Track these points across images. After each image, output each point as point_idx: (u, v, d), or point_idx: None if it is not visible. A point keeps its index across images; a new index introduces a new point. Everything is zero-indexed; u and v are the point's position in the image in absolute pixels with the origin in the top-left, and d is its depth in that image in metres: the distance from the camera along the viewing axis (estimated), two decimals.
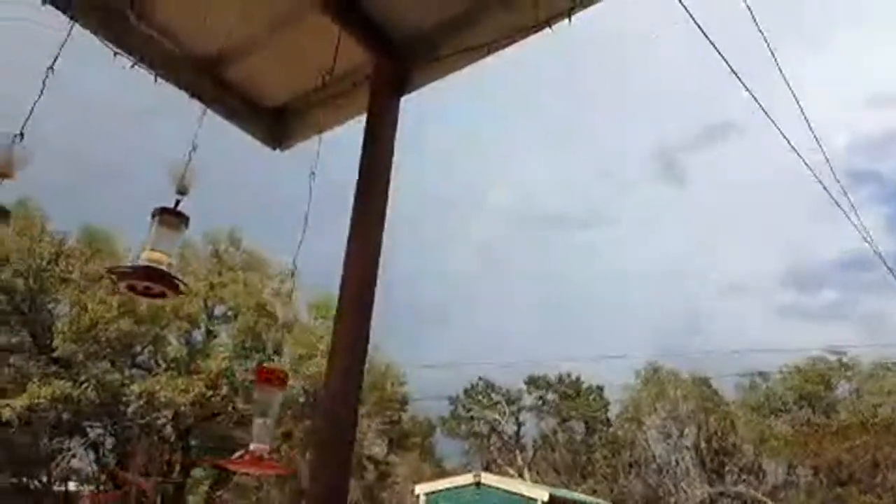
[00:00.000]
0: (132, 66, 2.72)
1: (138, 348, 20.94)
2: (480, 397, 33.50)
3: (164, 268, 2.01)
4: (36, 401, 16.62)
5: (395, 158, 2.73)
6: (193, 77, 2.96)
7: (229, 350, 21.72)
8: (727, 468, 26.11)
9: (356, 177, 2.61)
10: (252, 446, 2.05)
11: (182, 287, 2.03)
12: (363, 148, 2.69)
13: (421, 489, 16.20)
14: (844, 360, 25.99)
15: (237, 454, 2.07)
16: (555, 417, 31.92)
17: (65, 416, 18.43)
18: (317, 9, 2.55)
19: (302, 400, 21.76)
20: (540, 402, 32.66)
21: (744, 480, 25.23)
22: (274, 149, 3.29)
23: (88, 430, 20.44)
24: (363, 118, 2.86)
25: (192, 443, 22.32)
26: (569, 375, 32.38)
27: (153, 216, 2.10)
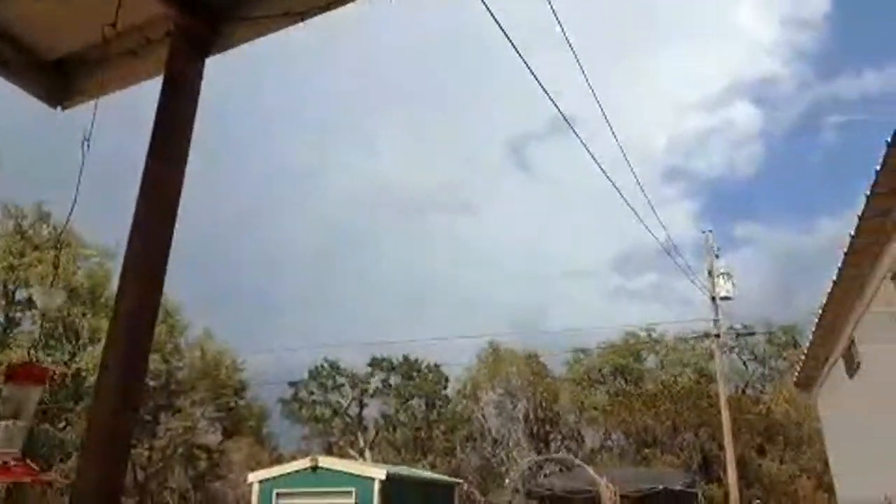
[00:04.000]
0: None
1: None
2: (325, 380, 33.04)
3: None
4: None
5: (196, 124, 2.51)
6: None
7: (34, 340, 19.35)
8: (552, 436, 28.30)
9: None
10: None
11: None
12: (157, 111, 2.43)
13: (255, 476, 15.64)
14: (654, 335, 29.16)
15: None
16: (397, 398, 32.40)
17: None
18: None
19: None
20: (383, 384, 32.96)
21: (566, 447, 27.49)
22: (54, 107, 2.89)
23: None
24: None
25: None
26: (415, 360, 32.97)
27: None
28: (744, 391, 28.02)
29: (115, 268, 21.48)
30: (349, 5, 2.56)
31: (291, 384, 32.68)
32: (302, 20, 2.57)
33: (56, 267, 11.37)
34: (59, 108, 2.88)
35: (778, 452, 24.41)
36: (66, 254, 20.84)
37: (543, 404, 27.74)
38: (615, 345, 28.97)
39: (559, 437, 28.32)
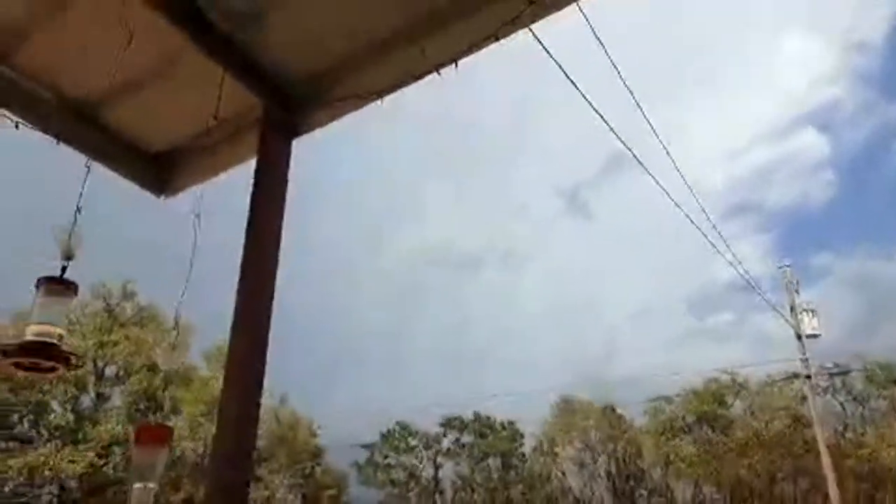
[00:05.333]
0: None
1: (15, 418, 18.99)
2: (398, 442, 32.81)
3: (53, 341, 1.84)
4: None
5: (287, 202, 2.66)
6: (67, 123, 2.78)
7: (122, 413, 20.18)
8: (637, 493, 26.89)
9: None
10: None
11: (74, 360, 1.87)
12: (252, 194, 2.60)
13: None
14: (738, 379, 27.68)
15: None
16: (472, 457, 31.74)
17: None
18: (200, 51, 2.47)
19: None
20: (457, 444, 32.42)
21: (654, 503, 26.03)
22: (158, 196, 3.12)
23: None
24: (252, 162, 2.80)
25: None
26: (487, 417, 32.39)
27: (37, 286, 1.92)
28: (843, 434, 26.01)
29: (194, 342, 22.34)
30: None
31: (365, 447, 32.60)
32: (379, 98, 2.73)
33: (174, 347, 11.93)
34: (161, 197, 3.11)
35: (891, 501, 22.36)
36: (151, 331, 21.87)
37: (626, 458, 26.54)
38: (697, 391, 27.61)
39: (645, 493, 26.88)
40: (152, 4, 2.30)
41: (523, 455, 31.40)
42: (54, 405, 19.69)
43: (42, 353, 1.83)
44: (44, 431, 19.04)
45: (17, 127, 2.56)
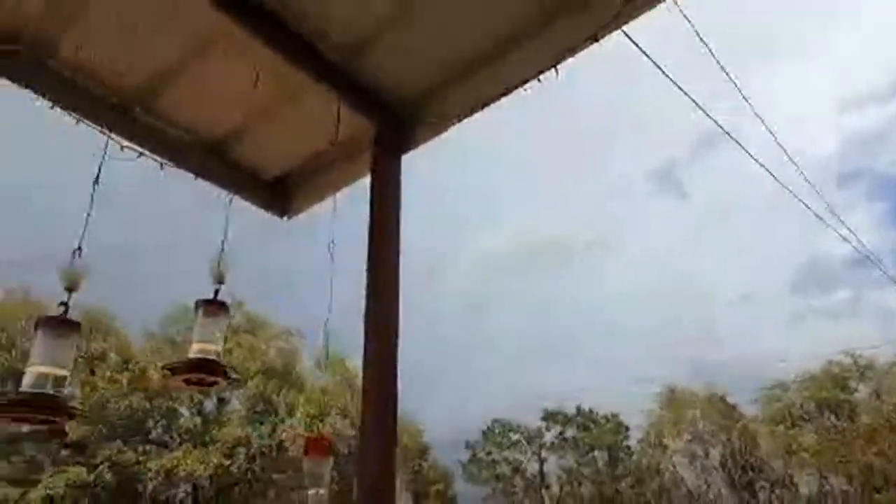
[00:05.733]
0: (139, 157, 2.84)
1: (150, 423, 20.74)
2: (499, 438, 33.00)
3: (213, 357, 2.08)
4: (51, 491, 16.37)
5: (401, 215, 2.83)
6: (201, 160, 3.08)
7: (242, 416, 21.52)
8: (758, 485, 25.59)
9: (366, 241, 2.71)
10: None
11: (231, 374, 2.10)
12: (371, 210, 2.79)
13: None
14: (861, 361, 25.76)
15: None
16: (576, 451, 31.41)
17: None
18: (315, 81, 2.68)
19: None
20: (560, 438, 32.19)
21: (777, 496, 24.71)
22: (281, 217, 3.39)
23: None
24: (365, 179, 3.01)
25: None
26: (589, 410, 31.97)
27: (196, 308, 2.18)
28: None
29: (303, 347, 23.46)
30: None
31: (467, 445, 33.02)
32: (483, 108, 2.85)
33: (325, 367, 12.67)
34: (285, 218, 3.38)
35: None
36: (260, 338, 23.17)
37: (741, 449, 25.35)
38: (815, 376, 25.93)
39: (767, 484, 25.54)
40: (273, 47, 2.53)
41: (629, 448, 30.73)
42: (183, 410, 21.35)
43: (205, 369, 2.07)
44: (175, 436, 20.66)
45: (161, 168, 2.87)
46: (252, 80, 2.66)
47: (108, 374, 18.36)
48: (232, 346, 24.07)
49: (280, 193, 3.42)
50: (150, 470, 18.36)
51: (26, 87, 2.54)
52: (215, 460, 18.33)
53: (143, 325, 22.54)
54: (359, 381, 2.52)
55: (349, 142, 3.06)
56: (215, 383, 2.13)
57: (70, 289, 1.95)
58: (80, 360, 19.38)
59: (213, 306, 2.21)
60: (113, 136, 2.72)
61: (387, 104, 2.90)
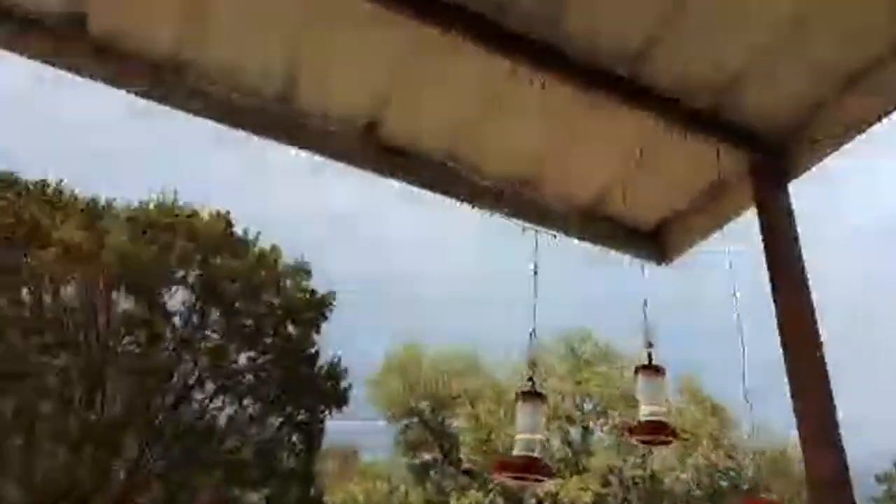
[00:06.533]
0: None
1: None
2: None
3: (663, 419, 2.28)
4: None
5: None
6: (579, 223, 3.37)
7: (606, 446, 21.84)
8: None
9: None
10: None
11: (680, 433, 2.27)
12: (764, 244, 2.70)
13: None
14: None
15: None
16: None
17: None
18: (691, 132, 2.74)
19: (697, 493, 20.44)
20: None
21: None
22: (659, 264, 3.47)
23: None
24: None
25: None
26: None
27: (636, 373, 2.41)
28: None
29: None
30: None
31: (878, 479, 27.69)
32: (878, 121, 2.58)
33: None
34: (663, 265, 3.45)
35: None
36: (612, 367, 23.36)
37: None
38: None
39: None
40: (639, 111, 2.69)
41: None
42: (554, 440, 22.64)
43: (660, 430, 2.25)
44: (549, 463, 22.01)
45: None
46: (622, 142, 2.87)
47: (488, 406, 20.62)
48: (588, 376, 24.80)
49: (658, 241, 3.49)
50: (536, 495, 19.81)
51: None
52: (593, 488, 18.91)
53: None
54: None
55: (723, 178, 3.03)
56: (667, 443, 2.34)
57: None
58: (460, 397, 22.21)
59: (650, 370, 2.40)
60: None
61: (761, 137, 2.81)
